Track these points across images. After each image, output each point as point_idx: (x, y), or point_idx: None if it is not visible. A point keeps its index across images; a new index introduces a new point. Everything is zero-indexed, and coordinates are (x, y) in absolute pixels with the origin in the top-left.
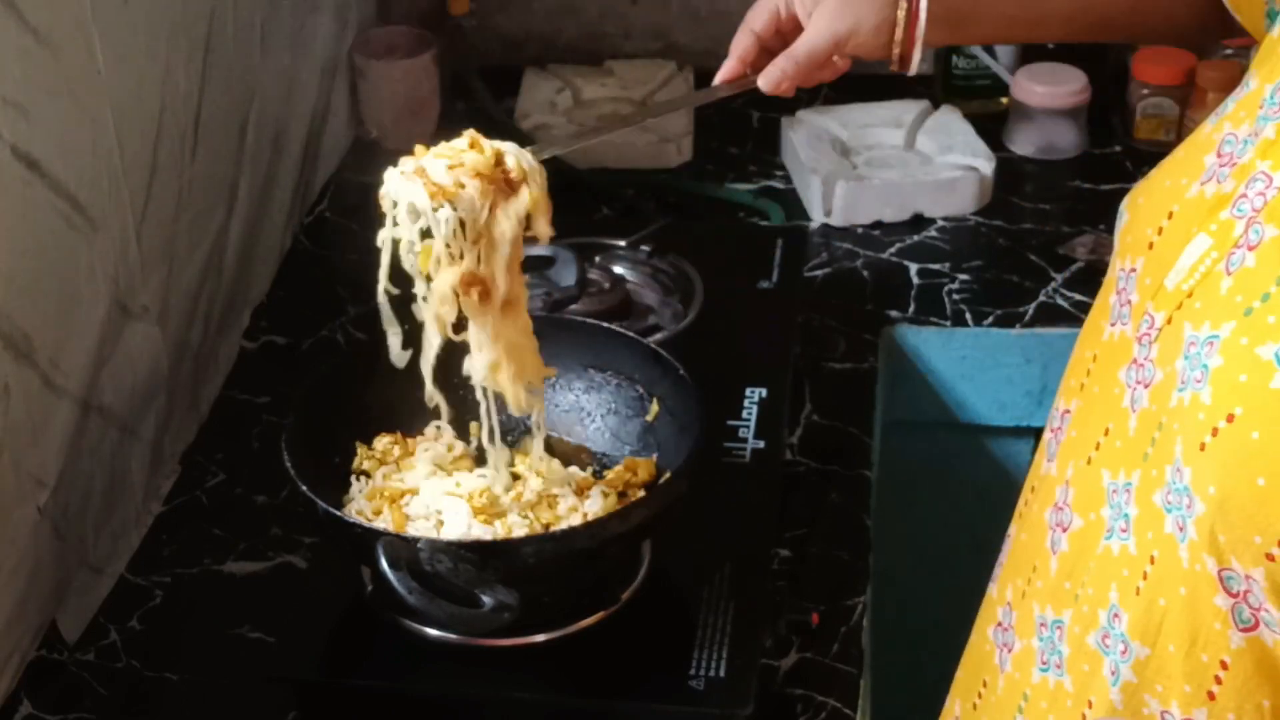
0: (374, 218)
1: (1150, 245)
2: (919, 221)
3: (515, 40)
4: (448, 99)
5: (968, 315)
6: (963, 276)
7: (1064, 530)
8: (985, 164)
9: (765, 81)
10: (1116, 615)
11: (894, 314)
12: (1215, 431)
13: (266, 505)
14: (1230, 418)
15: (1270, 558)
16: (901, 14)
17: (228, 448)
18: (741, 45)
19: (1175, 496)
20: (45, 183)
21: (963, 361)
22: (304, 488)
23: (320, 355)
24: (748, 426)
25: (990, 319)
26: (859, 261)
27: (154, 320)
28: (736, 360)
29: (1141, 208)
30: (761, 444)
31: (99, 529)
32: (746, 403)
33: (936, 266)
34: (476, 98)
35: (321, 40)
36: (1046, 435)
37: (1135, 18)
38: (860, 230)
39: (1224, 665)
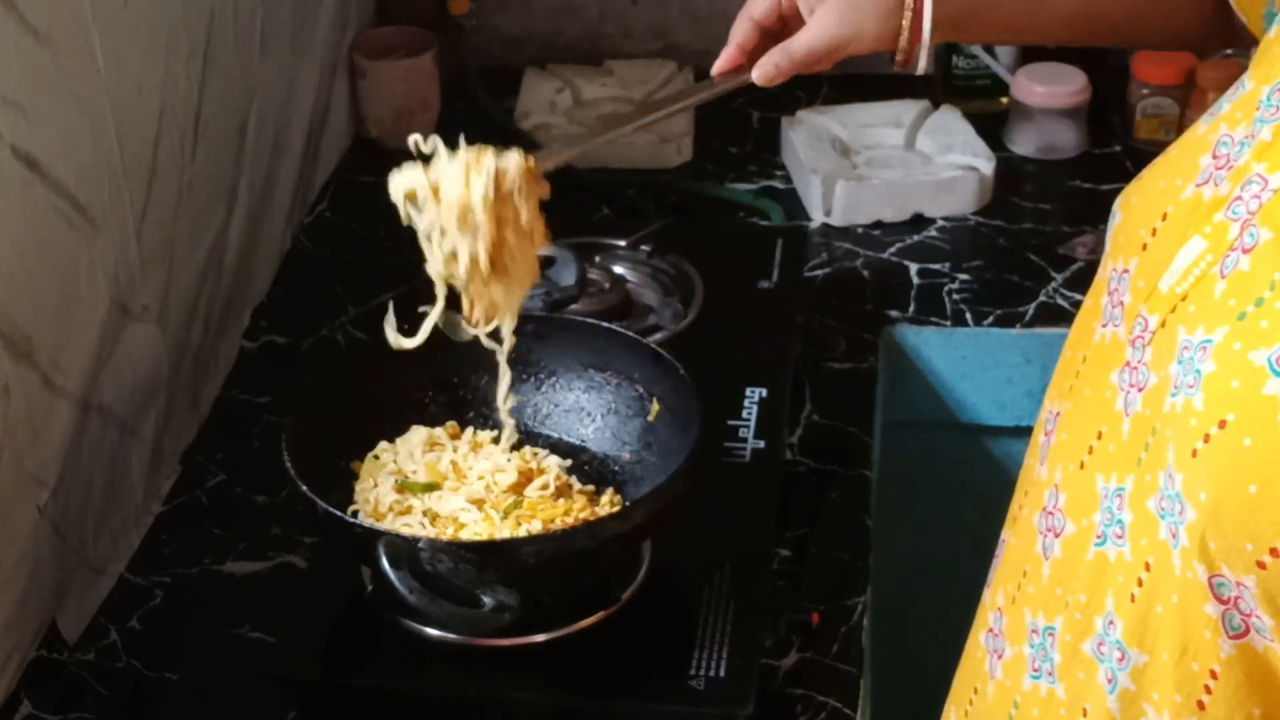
0: (374, 218)
1: (1144, 246)
2: (919, 221)
3: (515, 40)
4: (448, 99)
5: (968, 315)
6: (963, 276)
7: (1056, 535)
8: (985, 164)
9: (759, 75)
10: (1112, 622)
11: (894, 314)
12: (1207, 438)
13: (266, 505)
14: (1222, 424)
15: (1261, 565)
16: (906, 23)
17: (228, 448)
18: (741, 33)
19: (1168, 503)
20: (45, 183)
21: (963, 361)
22: (304, 488)
23: (320, 355)
24: (748, 426)
25: (990, 319)
26: (859, 261)
27: (154, 320)
28: (736, 360)
29: (1135, 208)
30: (761, 444)
31: (99, 529)
32: (746, 403)
33: (936, 266)
34: (476, 98)
35: (321, 40)
36: (1038, 438)
37: (1138, 22)
38: (860, 230)
39: (1214, 675)
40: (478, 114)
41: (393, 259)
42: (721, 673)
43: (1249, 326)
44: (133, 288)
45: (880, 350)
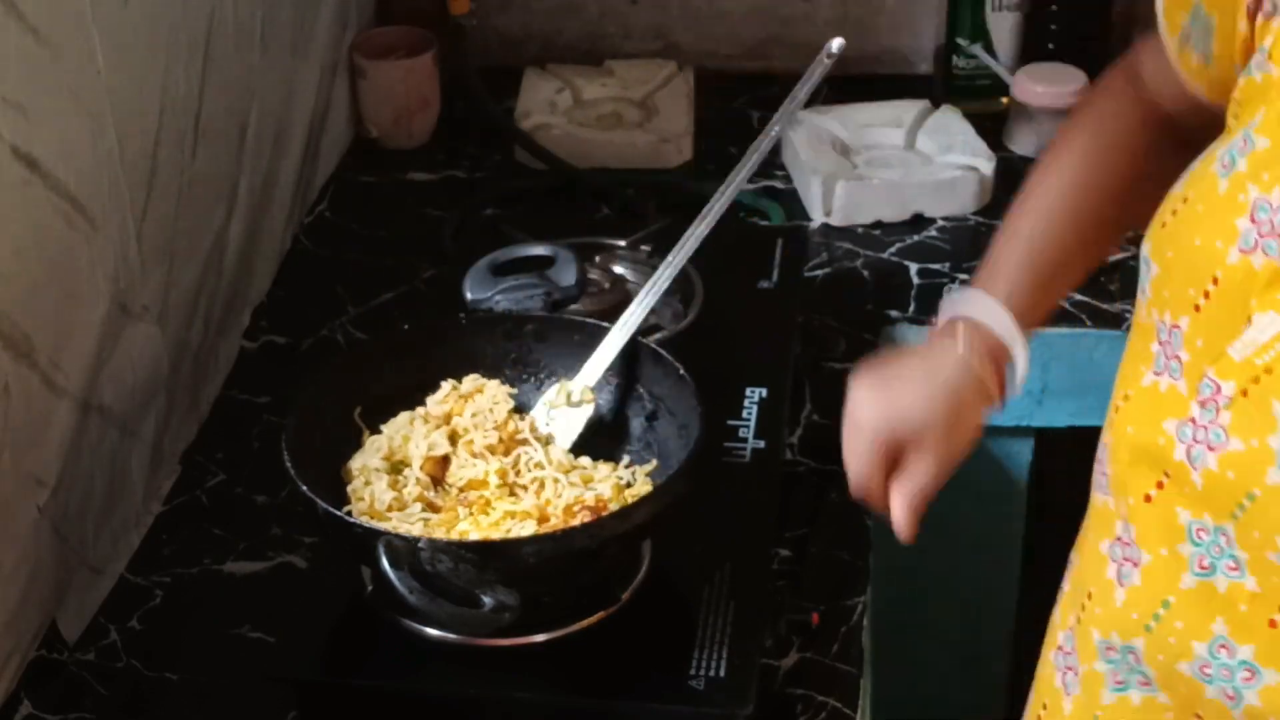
0: (374, 218)
1: (1196, 308)
2: (919, 221)
3: (515, 40)
4: (448, 99)
5: None
6: (963, 276)
7: (1135, 565)
8: (985, 164)
9: (908, 535)
10: (1224, 645)
11: (894, 314)
12: None
13: (266, 505)
14: None
15: None
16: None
17: (228, 448)
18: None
19: None
20: (45, 183)
21: None
22: (304, 488)
23: (320, 355)
24: (748, 426)
25: None
26: (859, 261)
27: (154, 320)
28: (736, 360)
29: (1173, 263)
30: (761, 444)
31: (99, 529)
32: (746, 403)
33: (937, 266)
34: (476, 98)
35: (321, 40)
36: (1096, 469)
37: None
38: (860, 230)
39: None
40: (478, 114)
41: (393, 259)
42: (721, 673)
43: None
44: (133, 288)
45: (880, 350)
